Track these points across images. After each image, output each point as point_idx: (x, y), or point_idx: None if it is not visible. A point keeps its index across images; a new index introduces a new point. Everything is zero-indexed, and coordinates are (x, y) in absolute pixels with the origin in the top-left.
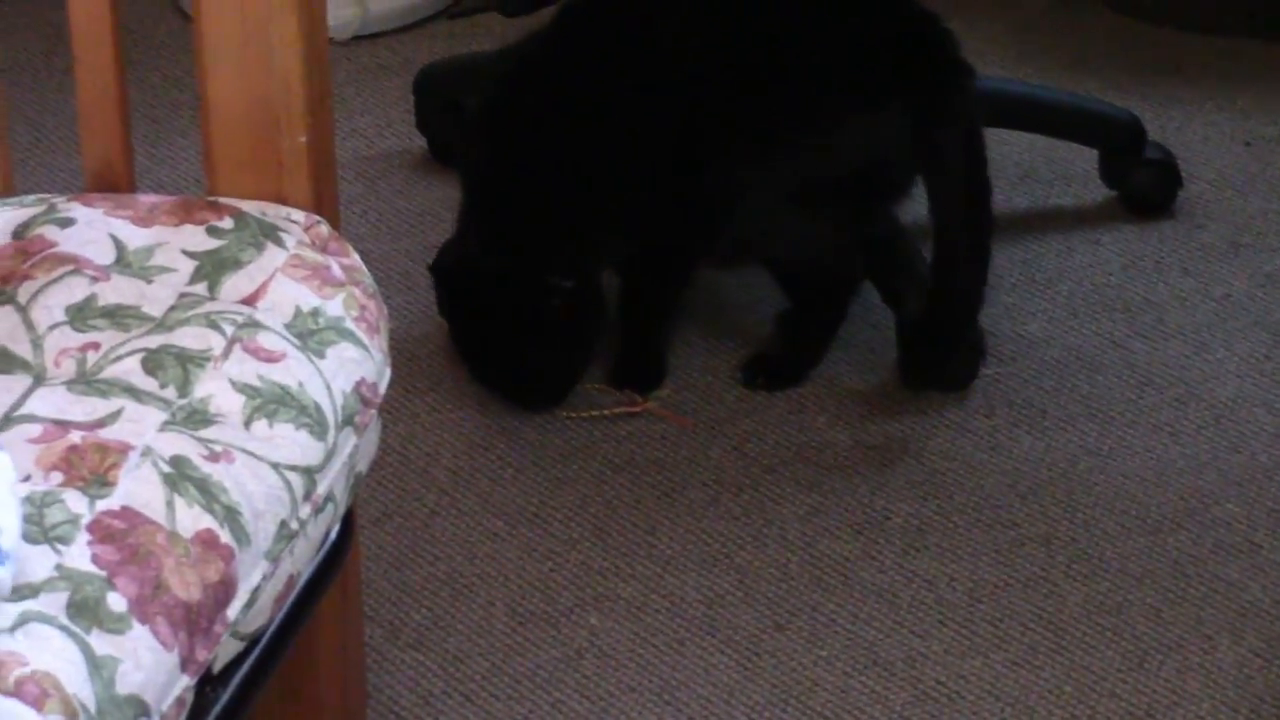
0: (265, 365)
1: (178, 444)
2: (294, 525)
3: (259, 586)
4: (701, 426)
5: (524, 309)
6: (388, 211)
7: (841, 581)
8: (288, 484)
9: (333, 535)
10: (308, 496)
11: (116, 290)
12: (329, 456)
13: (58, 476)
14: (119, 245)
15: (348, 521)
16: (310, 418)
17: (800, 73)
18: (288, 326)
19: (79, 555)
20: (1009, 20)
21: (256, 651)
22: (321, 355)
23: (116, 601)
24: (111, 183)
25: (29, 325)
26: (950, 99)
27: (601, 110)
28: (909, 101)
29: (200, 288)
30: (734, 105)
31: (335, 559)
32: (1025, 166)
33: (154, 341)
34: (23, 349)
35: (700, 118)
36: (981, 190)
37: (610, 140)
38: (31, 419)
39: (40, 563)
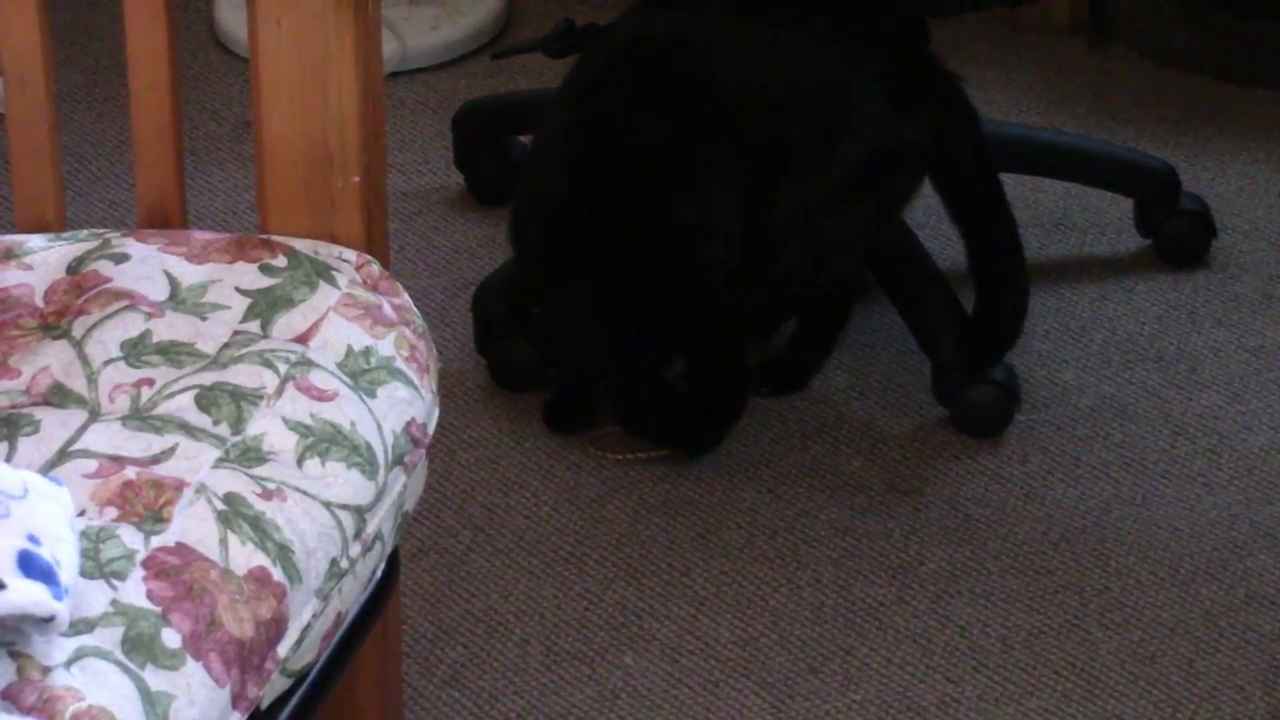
0: (317, 404)
1: (231, 481)
2: (344, 564)
3: (309, 624)
4: (737, 469)
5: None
6: (425, 248)
7: (875, 625)
8: (339, 523)
9: (379, 574)
10: (358, 535)
11: (170, 327)
12: (379, 496)
13: (113, 512)
14: (173, 281)
15: (393, 560)
16: (361, 457)
17: (842, 101)
18: (340, 365)
19: (134, 591)
20: (1044, 69)
21: (303, 688)
22: (373, 395)
23: (171, 638)
24: (164, 218)
25: (84, 360)
26: (959, 104)
27: (668, 155)
28: (928, 110)
29: (253, 325)
30: (789, 138)
31: (381, 597)
32: (1059, 215)
33: (208, 378)
34: (78, 384)
35: (758, 151)
36: (996, 181)
37: (678, 187)
38: (87, 454)
39: (96, 598)
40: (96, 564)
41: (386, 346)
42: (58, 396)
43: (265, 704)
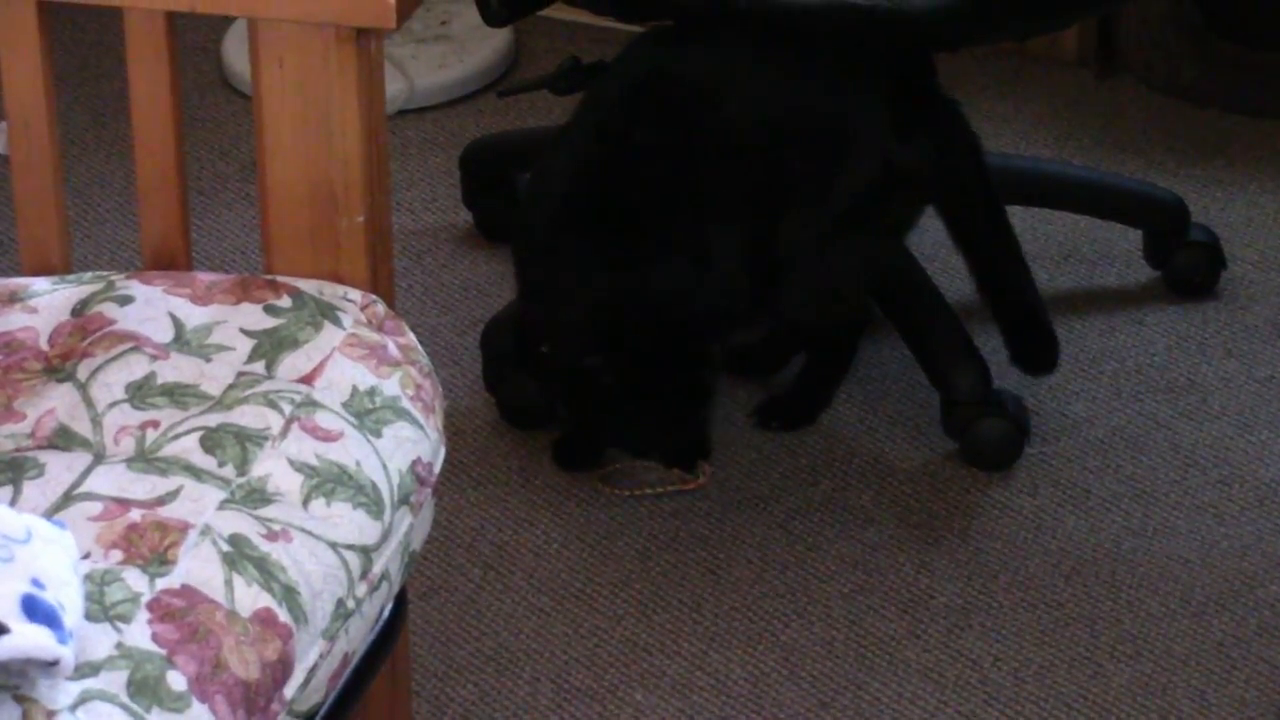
0: (323, 444)
1: (236, 523)
2: (350, 604)
3: (316, 665)
4: (746, 504)
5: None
6: (433, 286)
7: (886, 660)
8: (345, 563)
9: (386, 613)
10: (364, 575)
11: (175, 368)
12: (385, 536)
13: (117, 554)
14: (177, 323)
15: (400, 599)
16: (367, 497)
17: (843, 129)
18: (345, 406)
19: (139, 634)
20: (1052, 102)
21: None
22: (378, 435)
23: (176, 680)
24: (169, 260)
25: (89, 403)
26: (959, 127)
27: (670, 189)
28: (928, 135)
29: (258, 366)
30: (791, 169)
31: (388, 637)
32: (1069, 246)
33: (213, 420)
34: (83, 427)
35: (764, 184)
36: (998, 203)
37: (685, 214)
38: (91, 497)
39: (101, 641)
40: (101, 607)
41: (392, 386)
42: (62, 439)
43: None
